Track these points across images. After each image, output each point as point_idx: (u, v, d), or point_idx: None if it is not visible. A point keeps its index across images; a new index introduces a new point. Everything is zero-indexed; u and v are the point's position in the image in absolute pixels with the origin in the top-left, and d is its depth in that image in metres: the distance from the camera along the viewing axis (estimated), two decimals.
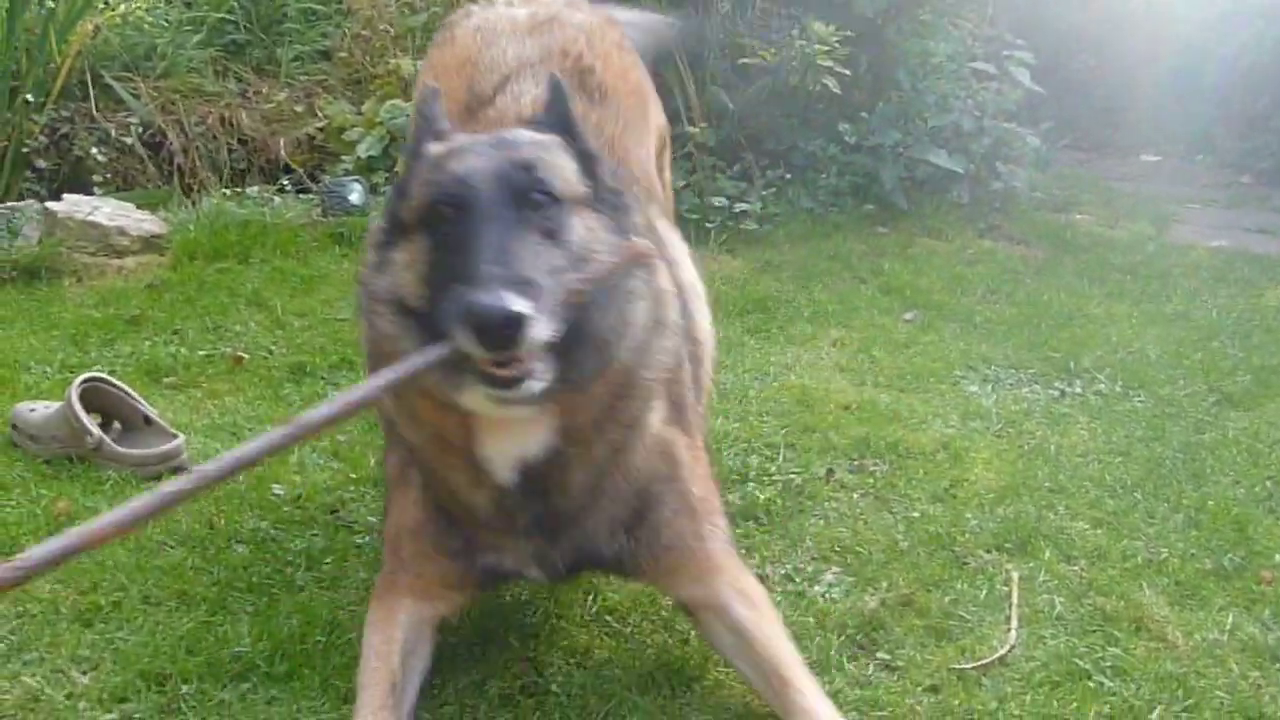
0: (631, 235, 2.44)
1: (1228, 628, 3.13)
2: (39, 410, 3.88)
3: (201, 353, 4.77)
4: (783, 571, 3.33)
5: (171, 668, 2.77)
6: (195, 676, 2.76)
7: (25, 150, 6.92)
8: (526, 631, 3.01)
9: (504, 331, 2.06)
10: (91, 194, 6.53)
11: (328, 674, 2.77)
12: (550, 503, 2.52)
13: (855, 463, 4.02)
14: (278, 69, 8.20)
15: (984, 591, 3.25)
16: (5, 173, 6.75)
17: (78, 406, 3.74)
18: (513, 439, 2.42)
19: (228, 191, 7.02)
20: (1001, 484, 3.89)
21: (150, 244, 5.89)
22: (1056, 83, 9.63)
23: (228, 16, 8.33)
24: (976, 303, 5.99)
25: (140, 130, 7.43)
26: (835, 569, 3.36)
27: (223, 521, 3.47)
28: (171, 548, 3.33)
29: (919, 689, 2.82)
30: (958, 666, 2.90)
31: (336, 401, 2.13)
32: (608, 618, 3.07)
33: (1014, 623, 3.09)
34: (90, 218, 5.80)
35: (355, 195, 6.43)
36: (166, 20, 8.22)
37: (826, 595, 3.21)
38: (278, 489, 3.68)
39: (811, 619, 3.07)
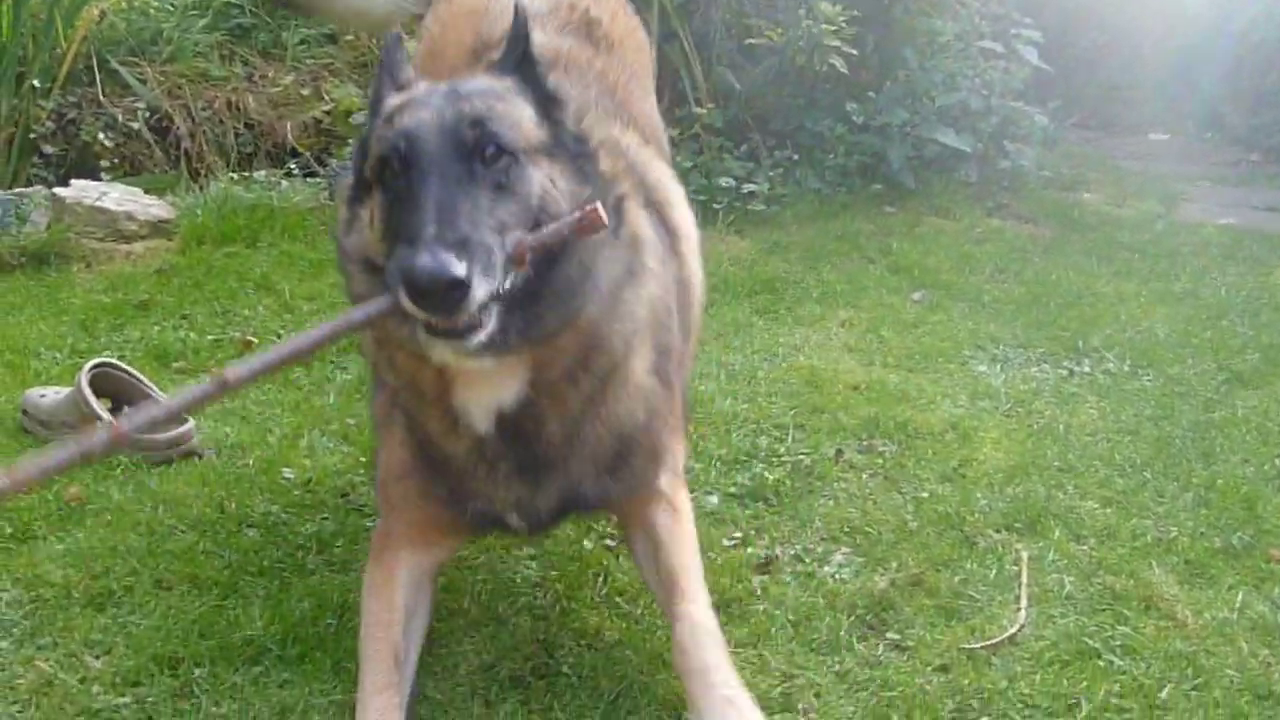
0: (596, 182, 2.39)
1: (1237, 606, 3.12)
2: (49, 396, 3.90)
3: (210, 337, 4.78)
4: (792, 552, 3.33)
5: (184, 651, 2.78)
6: (207, 660, 2.76)
7: (32, 136, 6.93)
8: (537, 614, 3.02)
9: (440, 295, 2.03)
10: (99, 179, 6.53)
11: (339, 657, 2.77)
12: (529, 451, 2.50)
13: (864, 443, 4.02)
14: (284, 52, 8.18)
15: (993, 571, 3.25)
16: (13, 159, 6.76)
17: (88, 392, 3.75)
18: (485, 390, 2.40)
19: (235, 176, 7.03)
20: (1010, 463, 3.89)
21: (158, 229, 5.90)
22: (1064, 60, 9.62)
23: (233, 1, 8.31)
24: (985, 282, 5.99)
25: (147, 115, 7.42)
26: (845, 549, 3.36)
27: (233, 506, 3.48)
28: (182, 532, 3.34)
29: (929, 669, 2.82)
30: (968, 646, 2.90)
31: (270, 352, 2.14)
32: (618, 599, 3.08)
33: (1024, 602, 3.09)
34: (98, 203, 5.81)
35: None
36: (172, 5, 8.21)
37: (836, 576, 3.21)
38: (288, 473, 3.69)
39: (821, 599, 3.08)
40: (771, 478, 3.73)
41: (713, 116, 7.17)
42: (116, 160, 7.21)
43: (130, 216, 5.84)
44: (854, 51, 7.22)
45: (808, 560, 3.30)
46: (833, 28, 7.07)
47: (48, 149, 7.04)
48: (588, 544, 3.35)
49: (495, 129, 2.25)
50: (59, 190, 5.97)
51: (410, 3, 4.11)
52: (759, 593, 3.11)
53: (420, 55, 3.50)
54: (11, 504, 3.42)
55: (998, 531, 3.48)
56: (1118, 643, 2.93)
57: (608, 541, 3.36)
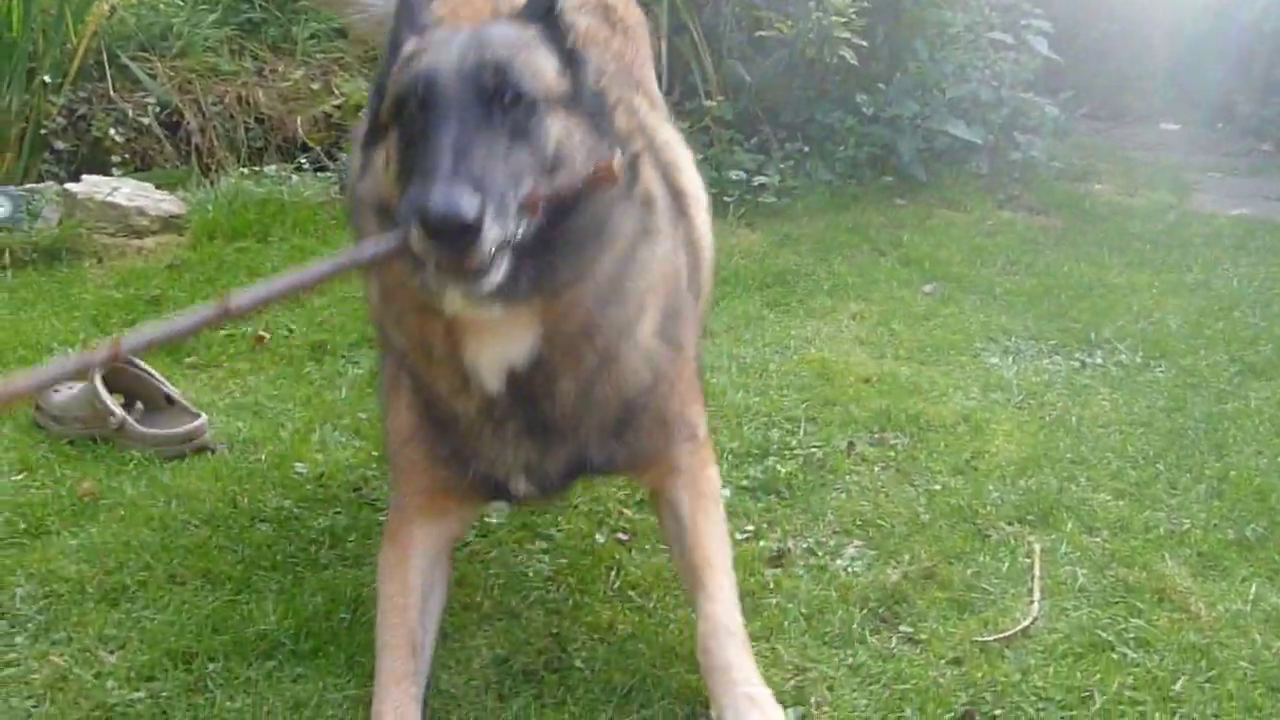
0: (612, 139, 2.36)
1: (1251, 598, 3.12)
2: (62, 392, 3.90)
3: (222, 332, 4.78)
4: (804, 545, 3.33)
5: (198, 646, 2.79)
6: (221, 655, 2.77)
7: (43, 132, 6.92)
8: (550, 607, 3.02)
9: (453, 232, 2.00)
10: (109, 175, 6.54)
11: (353, 651, 2.78)
12: (539, 412, 2.47)
13: (876, 436, 4.02)
14: (294, 47, 8.16)
15: (1006, 564, 3.25)
16: (24, 155, 6.76)
17: (101, 388, 3.76)
18: (497, 345, 2.37)
19: (245, 170, 7.03)
20: (1023, 456, 3.88)
21: (169, 224, 5.92)
22: (1074, 50, 9.59)
23: None
24: (996, 274, 5.98)
25: (157, 110, 7.40)
26: (857, 542, 3.36)
27: (246, 501, 3.49)
28: (195, 527, 3.35)
29: (942, 661, 2.82)
30: (980, 639, 2.90)
31: (275, 281, 2.12)
32: (630, 593, 3.08)
33: (1036, 595, 3.09)
34: (109, 199, 5.82)
35: None
36: (181, 0, 8.21)
37: (848, 569, 3.21)
38: (300, 467, 3.70)
39: (834, 592, 3.08)
40: (783, 471, 3.73)
41: (723, 109, 7.17)
42: (127, 155, 7.19)
43: (141, 212, 5.85)
44: (864, 43, 7.21)
45: (820, 553, 3.30)
46: (843, 19, 7.05)
47: (59, 145, 7.03)
48: (600, 538, 3.36)
49: (516, 76, 2.23)
50: (70, 186, 5.98)
51: None
52: (771, 586, 3.11)
53: None
54: (25, 499, 3.44)
55: (1010, 524, 3.48)
56: (1131, 635, 2.93)
57: (620, 535, 3.37)
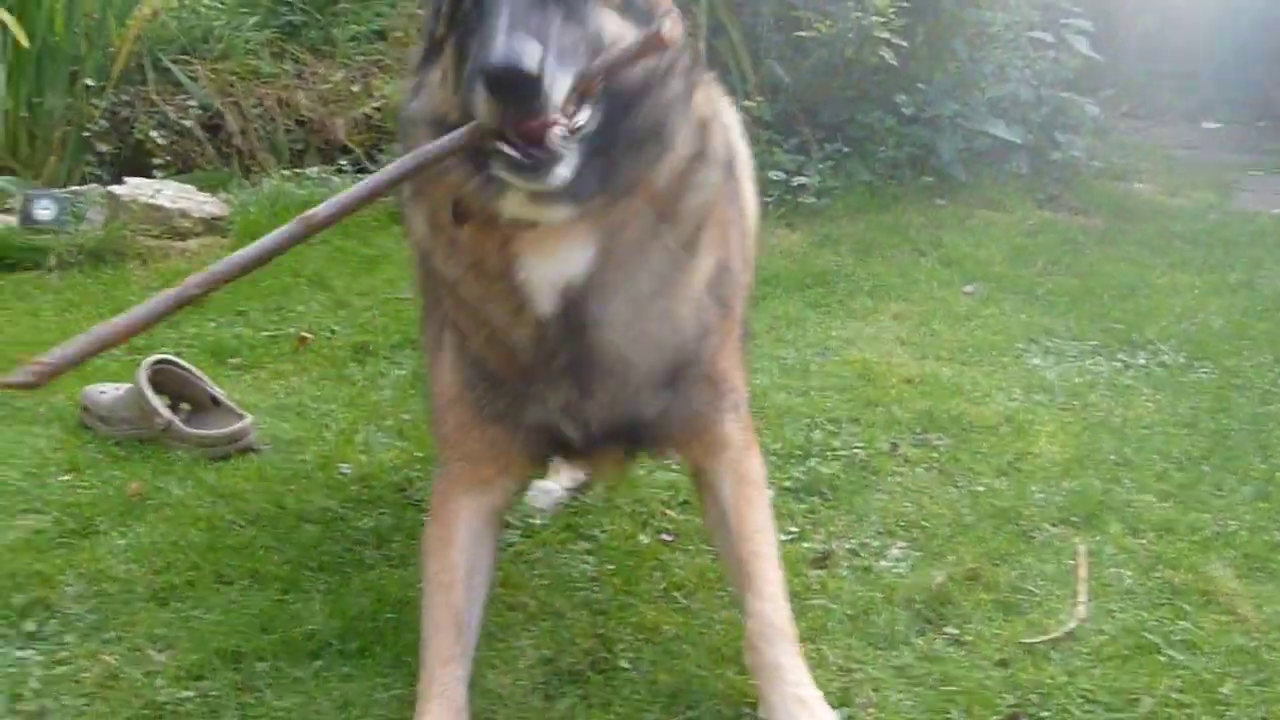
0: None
1: None
2: (109, 392, 3.94)
3: (265, 333, 4.82)
4: (849, 546, 3.33)
5: (246, 646, 2.81)
6: (269, 654, 2.79)
7: (86, 135, 6.99)
8: (595, 608, 3.03)
9: (516, 83, 1.97)
10: (151, 177, 6.60)
11: (399, 651, 2.79)
12: (589, 339, 2.40)
13: (919, 437, 4.01)
14: (334, 49, 8.22)
15: (1051, 565, 3.24)
16: (67, 157, 6.84)
17: (147, 388, 3.79)
18: (553, 259, 2.32)
19: (287, 172, 7.07)
20: (1066, 457, 3.87)
21: (212, 226, 5.97)
22: (1114, 48, 9.53)
23: None
24: (1037, 274, 5.95)
25: (199, 113, 7.48)
26: (901, 543, 3.36)
27: (291, 501, 3.51)
28: (242, 527, 3.37)
29: (989, 663, 2.81)
30: (1027, 640, 2.89)
31: (351, 190, 2.12)
32: (675, 594, 3.09)
33: (1082, 596, 3.08)
34: (153, 201, 5.88)
35: None
36: (223, 3, 8.28)
37: (893, 570, 3.21)
38: (345, 468, 3.72)
39: (879, 593, 3.07)
40: (826, 472, 3.73)
41: (762, 110, 7.17)
42: (169, 158, 7.27)
43: (185, 214, 5.90)
44: (904, 43, 7.19)
45: (864, 554, 3.30)
46: (882, 19, 7.03)
47: (101, 147, 7.10)
48: (644, 539, 3.36)
49: None
50: (114, 188, 6.04)
51: None
52: (816, 587, 3.10)
53: None
54: (73, 498, 3.48)
55: (1054, 525, 3.46)
56: (1178, 637, 2.91)
57: (664, 536, 3.37)
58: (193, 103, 7.46)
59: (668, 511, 3.50)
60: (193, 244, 5.82)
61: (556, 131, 2.07)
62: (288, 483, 3.62)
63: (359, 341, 4.75)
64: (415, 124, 2.32)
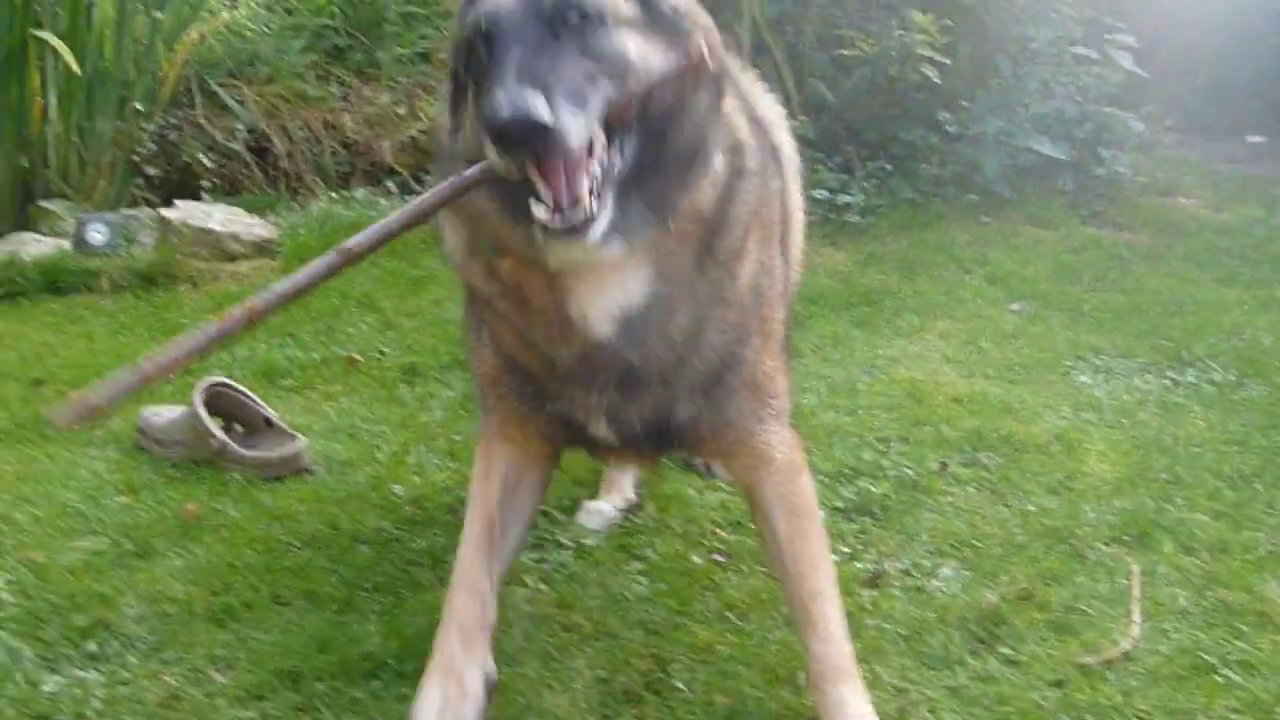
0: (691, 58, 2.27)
1: None
2: (164, 415, 3.98)
3: (316, 355, 4.86)
4: (900, 566, 3.33)
5: (304, 667, 2.83)
6: (328, 675, 2.81)
7: (135, 158, 7.05)
8: (649, 628, 3.04)
9: (524, 134, 1.95)
10: (199, 199, 6.67)
11: None
12: (646, 352, 2.40)
13: (968, 456, 4.01)
14: (379, 72, 8.27)
15: (1104, 585, 3.23)
16: (117, 181, 6.90)
17: (202, 411, 3.83)
18: (608, 293, 2.30)
19: (334, 195, 7.13)
20: (1117, 476, 3.87)
21: (262, 249, 6.02)
22: (1157, 63, 9.49)
23: (328, 22, 8.42)
24: (1084, 291, 5.95)
25: (246, 136, 7.54)
26: (953, 563, 3.36)
27: (346, 522, 3.54)
28: (298, 548, 3.40)
29: (1043, 684, 2.80)
30: (1081, 661, 2.88)
31: (389, 219, 2.18)
32: (729, 614, 3.09)
33: (1136, 616, 3.07)
34: (204, 224, 5.93)
35: None
36: (269, 27, 8.33)
37: (945, 590, 3.21)
38: (398, 489, 3.74)
39: (932, 614, 3.07)
40: (877, 491, 3.73)
41: (806, 128, 7.16)
42: (217, 180, 7.33)
43: (235, 237, 5.96)
44: (947, 61, 7.20)
45: (916, 574, 3.30)
46: (925, 37, 7.04)
47: (150, 170, 7.16)
48: (697, 559, 3.37)
49: None
50: (165, 212, 6.11)
51: None
52: (869, 608, 3.11)
53: None
54: (131, 520, 3.52)
55: (1107, 545, 3.46)
56: (1234, 658, 2.90)
57: (716, 556, 3.38)
58: (240, 126, 7.52)
59: (719, 531, 3.52)
60: (243, 267, 5.88)
61: (586, 186, 2.07)
62: (341, 504, 3.65)
63: (408, 363, 4.78)
64: (459, 163, 2.29)
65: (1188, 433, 4.22)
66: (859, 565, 3.34)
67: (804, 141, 7.03)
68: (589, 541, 3.45)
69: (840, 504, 3.67)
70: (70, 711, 2.68)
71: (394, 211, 2.22)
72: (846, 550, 3.41)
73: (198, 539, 3.42)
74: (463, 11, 2.33)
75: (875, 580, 3.24)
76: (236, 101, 7.64)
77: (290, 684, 2.79)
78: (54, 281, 5.68)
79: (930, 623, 3.04)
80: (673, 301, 2.37)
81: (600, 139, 2.10)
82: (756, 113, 2.68)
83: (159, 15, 7.27)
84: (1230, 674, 2.84)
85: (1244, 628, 3.03)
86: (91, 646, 2.92)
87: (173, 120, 7.41)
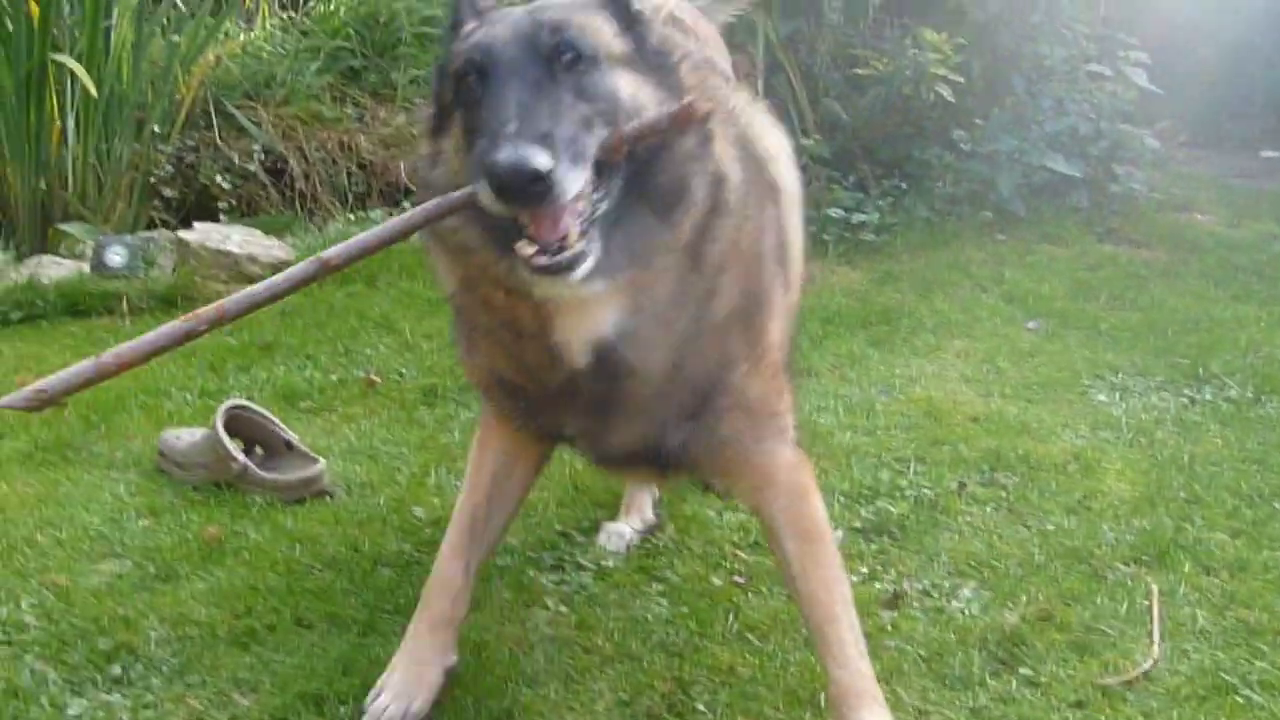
0: (681, 95, 2.30)
1: None
2: (184, 437, 4.00)
3: (334, 376, 4.87)
4: (919, 587, 3.34)
5: (328, 690, 2.84)
6: (351, 697, 2.81)
7: (152, 180, 7.10)
8: (670, 650, 3.04)
9: (524, 187, 1.99)
10: (216, 220, 6.70)
11: (478, 695, 2.83)
12: (620, 385, 2.42)
13: (986, 476, 4.01)
14: (394, 93, 8.31)
15: (1124, 605, 3.23)
16: (134, 203, 6.94)
17: (223, 434, 3.85)
18: (588, 321, 2.32)
19: (351, 216, 7.16)
20: (1136, 495, 3.87)
21: (280, 270, 5.98)
22: (1171, 79, 9.47)
23: (343, 44, 8.46)
24: (1100, 309, 5.95)
25: (262, 157, 7.58)
26: (972, 584, 3.36)
27: (367, 544, 3.55)
28: (319, 571, 3.41)
29: (1064, 705, 2.81)
30: (1102, 682, 2.89)
31: (366, 234, 2.22)
32: (749, 635, 3.10)
33: (1156, 637, 3.08)
34: (222, 246, 5.95)
35: None
36: (284, 49, 8.39)
37: (965, 611, 3.21)
38: (418, 511, 3.75)
39: (952, 635, 3.08)
40: (895, 512, 3.74)
41: (820, 147, 7.19)
42: (233, 202, 7.38)
43: (253, 259, 5.98)
44: (960, 79, 7.22)
45: (935, 595, 3.31)
46: (939, 56, 7.06)
47: (167, 192, 7.21)
48: (716, 580, 3.38)
49: (573, 35, 2.22)
50: (184, 234, 6.12)
51: None
52: (889, 629, 3.12)
53: None
54: (153, 543, 3.52)
55: (1126, 565, 3.46)
56: (1255, 678, 2.91)
57: (736, 578, 3.39)
58: (256, 147, 7.57)
59: (739, 553, 3.52)
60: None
61: (575, 230, 2.11)
62: (362, 526, 3.66)
63: (427, 384, 4.79)
64: (436, 191, 2.32)
65: (1206, 451, 4.22)
66: (878, 586, 3.34)
67: (819, 160, 7.12)
68: (609, 563, 3.47)
69: (859, 524, 3.67)
70: None
71: (375, 227, 2.26)
72: (865, 571, 3.42)
73: (219, 562, 3.44)
74: (451, 40, 2.38)
75: (895, 601, 3.25)
76: (253, 123, 7.69)
77: (314, 707, 2.79)
78: (74, 304, 5.71)
79: (950, 644, 3.05)
80: (652, 333, 2.39)
81: (590, 179, 2.14)
82: (755, 148, 2.70)
83: (176, 38, 7.34)
84: (1251, 694, 2.85)
85: (1264, 647, 3.03)
86: (116, 670, 2.93)
87: (190, 142, 7.47)
